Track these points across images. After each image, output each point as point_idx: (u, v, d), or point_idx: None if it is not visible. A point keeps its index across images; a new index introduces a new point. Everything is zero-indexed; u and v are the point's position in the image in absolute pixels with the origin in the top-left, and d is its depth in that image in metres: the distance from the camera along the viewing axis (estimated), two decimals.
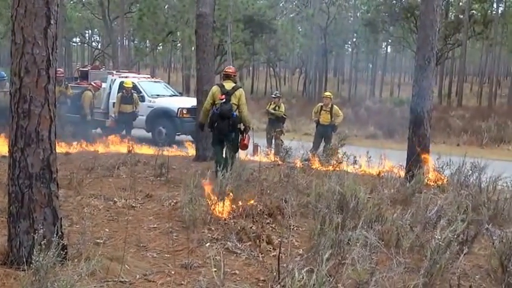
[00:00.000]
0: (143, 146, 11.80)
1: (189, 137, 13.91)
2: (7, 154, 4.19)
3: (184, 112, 14.60)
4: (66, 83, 14.07)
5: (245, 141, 8.10)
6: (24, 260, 3.83)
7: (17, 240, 4.05)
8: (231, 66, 9.43)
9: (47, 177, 4.07)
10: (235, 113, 7.86)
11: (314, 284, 3.57)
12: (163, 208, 6.05)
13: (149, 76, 19.08)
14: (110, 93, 15.36)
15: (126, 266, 4.21)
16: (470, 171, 7.84)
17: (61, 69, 13.85)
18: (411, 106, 9.06)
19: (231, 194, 5.83)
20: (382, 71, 53.41)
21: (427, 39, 8.71)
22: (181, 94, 19.11)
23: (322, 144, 11.86)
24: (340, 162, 9.07)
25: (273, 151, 11.42)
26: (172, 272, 4.26)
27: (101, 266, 4.02)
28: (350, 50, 52.28)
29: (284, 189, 6.77)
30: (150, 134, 15.02)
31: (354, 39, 46.51)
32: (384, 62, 55.49)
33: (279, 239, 4.96)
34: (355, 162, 9.62)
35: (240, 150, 8.31)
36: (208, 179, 6.27)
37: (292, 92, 44.40)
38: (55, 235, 3.81)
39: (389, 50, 57.17)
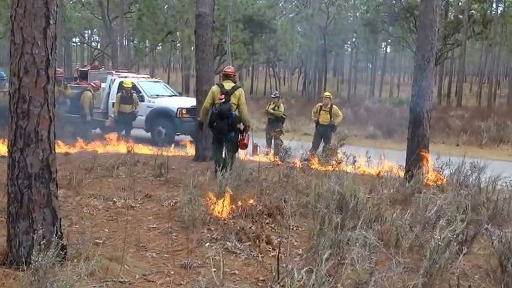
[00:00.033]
0: (142, 146, 11.79)
1: (188, 137, 13.90)
2: (6, 154, 4.18)
3: (184, 112, 14.59)
4: (66, 83, 14.06)
5: (245, 141, 8.12)
6: (24, 260, 3.83)
7: (16, 240, 4.04)
8: (230, 66, 9.44)
9: (46, 178, 4.07)
10: (234, 113, 7.88)
11: (313, 284, 3.57)
12: (163, 208, 6.05)
13: (149, 76, 19.08)
14: (109, 93, 15.35)
15: (126, 266, 4.21)
16: (470, 171, 7.85)
17: (60, 69, 13.85)
18: (410, 106, 9.06)
19: (230, 194, 5.82)
20: (381, 71, 53.42)
21: (426, 39, 8.71)
22: (180, 94, 19.11)
23: (322, 144, 11.86)
24: (340, 162, 9.07)
25: (272, 151, 11.41)
26: (172, 272, 4.26)
27: (100, 266, 4.02)
28: (349, 50, 52.28)
29: (283, 189, 6.77)
30: (149, 134, 15.01)
31: (354, 39, 46.50)
32: (384, 62, 55.50)
33: (278, 239, 4.95)
34: (354, 162, 9.62)
35: (239, 150, 8.34)
36: (207, 179, 6.27)
37: (291, 92, 44.42)
38: (54, 235, 3.81)
39: (388, 50, 57.23)
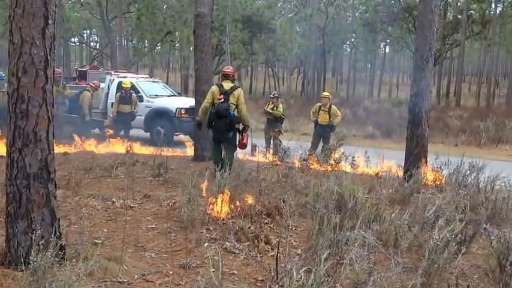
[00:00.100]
0: (140, 145, 11.79)
1: (187, 137, 13.89)
2: (5, 154, 4.17)
3: (183, 112, 14.59)
4: (64, 83, 14.06)
5: (244, 141, 8.15)
6: (22, 260, 3.82)
7: (15, 240, 4.04)
8: (229, 67, 9.45)
9: (45, 178, 4.07)
10: (232, 112, 7.92)
11: (312, 284, 3.57)
12: (162, 208, 6.05)
13: (147, 76, 19.06)
14: (108, 93, 15.35)
15: (124, 266, 4.20)
16: (469, 171, 7.87)
17: (59, 70, 13.84)
18: (409, 106, 9.07)
19: (229, 194, 5.82)
20: (380, 71, 53.41)
21: (425, 40, 8.72)
22: (179, 94, 19.10)
23: (321, 144, 11.86)
24: (339, 162, 9.08)
25: (271, 151, 11.42)
26: (171, 272, 4.26)
27: (99, 266, 4.02)
28: (348, 50, 52.30)
29: (282, 189, 6.78)
30: (148, 134, 15.01)
31: (352, 40, 46.49)
32: (382, 62, 55.50)
33: (277, 239, 4.96)
34: (353, 162, 9.63)
35: (238, 149, 8.36)
36: (206, 179, 6.27)
37: (290, 92, 44.43)
38: (53, 235, 3.82)
39: (387, 50, 57.25)
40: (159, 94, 15.82)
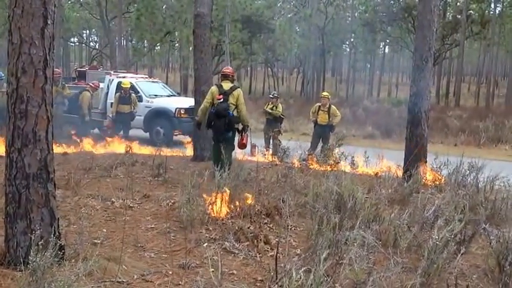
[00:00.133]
0: (140, 145, 11.80)
1: (187, 137, 13.90)
2: (4, 154, 4.17)
3: (182, 112, 14.59)
4: (63, 83, 14.06)
5: (244, 141, 8.17)
6: (22, 260, 3.82)
7: (14, 240, 4.04)
8: (228, 67, 9.45)
9: (44, 178, 4.07)
10: (231, 112, 7.94)
11: (311, 284, 3.57)
12: (161, 208, 6.05)
13: (147, 76, 19.06)
14: (107, 93, 15.35)
15: (124, 266, 4.20)
16: (468, 171, 7.87)
17: (58, 70, 13.84)
18: (409, 106, 9.07)
19: (228, 194, 5.82)
20: (380, 71, 53.43)
21: (424, 40, 8.72)
22: (179, 94, 19.10)
23: (320, 144, 11.86)
24: (338, 162, 9.08)
25: (270, 151, 11.42)
26: (170, 272, 4.26)
27: (99, 266, 4.02)
28: (348, 50, 52.27)
29: (282, 189, 6.78)
30: (147, 134, 15.01)
31: (352, 40, 46.47)
32: (382, 62, 55.53)
33: (276, 239, 4.96)
34: (352, 162, 9.63)
35: (237, 149, 8.37)
36: (205, 179, 6.27)
37: (290, 92, 44.45)
38: (52, 235, 3.82)
39: (387, 50, 57.21)
40: (159, 94, 15.82)
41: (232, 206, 5.69)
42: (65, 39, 37.91)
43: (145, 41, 32.12)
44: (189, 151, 11.15)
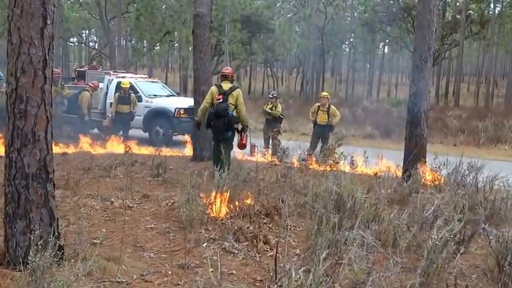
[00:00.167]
0: (139, 145, 11.79)
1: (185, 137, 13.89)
2: (3, 154, 4.17)
3: (182, 112, 14.59)
4: (62, 83, 14.06)
5: (243, 141, 8.19)
6: (21, 260, 3.82)
7: (14, 240, 4.04)
8: (228, 68, 9.46)
9: (44, 178, 4.07)
10: (230, 112, 7.96)
11: (311, 284, 3.57)
12: (161, 208, 6.05)
13: (146, 76, 19.06)
14: (107, 93, 15.35)
15: (123, 266, 4.20)
16: (467, 171, 7.87)
17: (57, 70, 13.84)
18: (408, 106, 9.07)
19: (228, 194, 5.82)
20: (379, 71, 53.44)
21: (424, 40, 8.72)
22: (178, 94, 19.09)
23: (320, 144, 11.86)
24: (337, 162, 9.08)
25: (270, 151, 11.42)
26: (170, 272, 4.26)
27: (98, 266, 4.02)
28: (347, 50, 52.28)
29: (281, 189, 6.78)
30: (147, 134, 15.01)
31: (351, 39, 46.48)
32: (381, 62, 55.55)
33: (276, 239, 4.96)
34: (352, 162, 9.63)
35: (237, 149, 8.38)
36: (205, 179, 6.27)
37: (289, 92, 44.45)
38: (51, 235, 3.81)
39: (386, 50, 57.24)
40: (158, 94, 15.82)
41: (231, 206, 5.69)
42: (64, 39, 37.91)
43: (145, 41, 32.14)
44: (189, 151, 11.15)
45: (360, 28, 38.47)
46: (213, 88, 8.25)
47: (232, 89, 8.09)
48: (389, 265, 4.22)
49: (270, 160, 9.79)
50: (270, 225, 5.56)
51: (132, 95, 14.07)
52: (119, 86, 14.33)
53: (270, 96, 13.54)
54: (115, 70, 18.59)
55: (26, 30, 3.93)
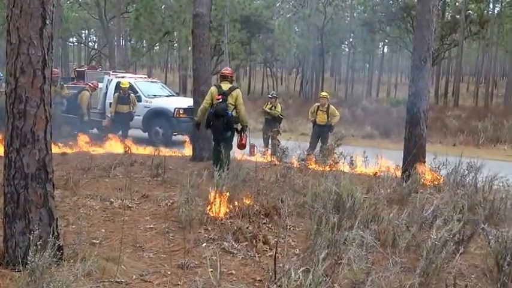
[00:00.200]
0: (138, 145, 11.79)
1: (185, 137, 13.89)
2: (2, 154, 4.17)
3: (181, 112, 14.59)
4: (62, 83, 14.05)
5: (243, 141, 8.20)
6: (20, 260, 3.82)
7: (13, 240, 4.04)
8: (227, 68, 9.47)
9: (43, 178, 4.06)
10: (230, 112, 7.98)
11: (310, 284, 3.57)
12: (160, 208, 6.05)
13: (146, 76, 19.05)
14: (106, 93, 15.34)
15: (123, 266, 4.20)
16: (467, 171, 7.87)
17: (56, 70, 13.84)
18: (407, 106, 9.08)
19: (227, 194, 5.82)
20: (378, 71, 53.46)
21: (423, 40, 8.73)
22: (178, 94, 19.09)
23: (319, 144, 11.86)
24: (337, 162, 9.08)
25: (269, 151, 11.42)
26: (169, 272, 4.26)
27: (97, 266, 4.02)
28: (347, 50, 52.27)
29: (281, 189, 6.78)
30: (146, 134, 15.00)
31: (351, 39, 46.48)
32: (381, 62, 55.55)
33: (275, 239, 4.96)
34: (351, 162, 9.63)
35: (237, 149, 8.38)
36: (204, 179, 6.27)
37: (289, 92, 44.45)
38: (51, 235, 3.81)
39: (386, 50, 57.20)
40: (158, 94, 15.81)
41: (231, 206, 5.69)
42: (63, 39, 37.88)
43: (144, 41, 32.14)
44: (188, 151, 11.15)
45: (359, 28, 38.46)
46: (213, 88, 8.27)
47: (231, 89, 8.10)
48: (389, 265, 4.22)
49: (270, 160, 9.79)
50: (270, 225, 5.56)
51: (132, 95, 14.05)
52: (118, 86, 14.32)
53: (270, 96, 13.54)
54: (114, 70, 18.57)
55: (25, 30, 3.93)
